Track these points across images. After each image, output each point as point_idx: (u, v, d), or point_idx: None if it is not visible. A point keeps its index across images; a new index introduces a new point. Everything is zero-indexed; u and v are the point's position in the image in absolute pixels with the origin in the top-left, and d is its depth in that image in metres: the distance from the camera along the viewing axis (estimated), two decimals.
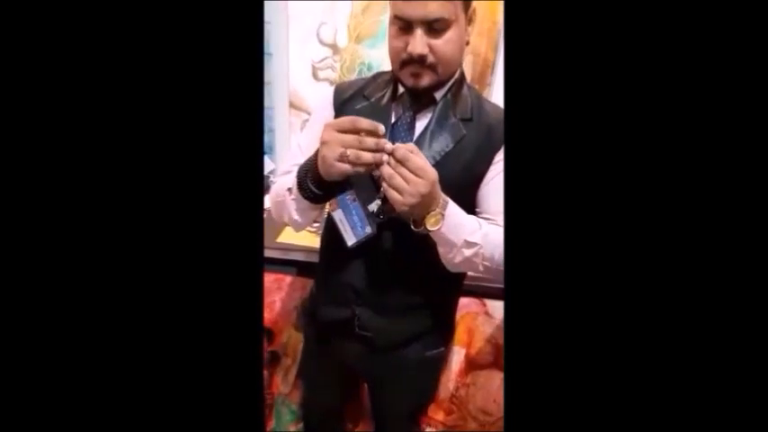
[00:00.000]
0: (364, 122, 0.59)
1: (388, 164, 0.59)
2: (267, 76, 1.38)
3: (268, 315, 1.20)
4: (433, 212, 0.61)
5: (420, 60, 0.64)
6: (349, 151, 0.59)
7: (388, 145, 0.59)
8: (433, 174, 0.59)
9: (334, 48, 1.34)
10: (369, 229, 0.66)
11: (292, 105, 1.43)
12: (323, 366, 0.91)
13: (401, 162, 0.58)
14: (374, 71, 0.84)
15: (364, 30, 1.31)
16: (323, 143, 0.62)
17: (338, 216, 0.66)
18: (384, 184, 0.59)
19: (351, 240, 0.66)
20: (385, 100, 0.73)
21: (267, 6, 1.29)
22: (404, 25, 0.63)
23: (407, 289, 0.75)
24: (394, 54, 0.67)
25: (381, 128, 0.59)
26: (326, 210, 0.83)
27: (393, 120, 0.72)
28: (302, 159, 0.70)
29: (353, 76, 1.34)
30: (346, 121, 0.60)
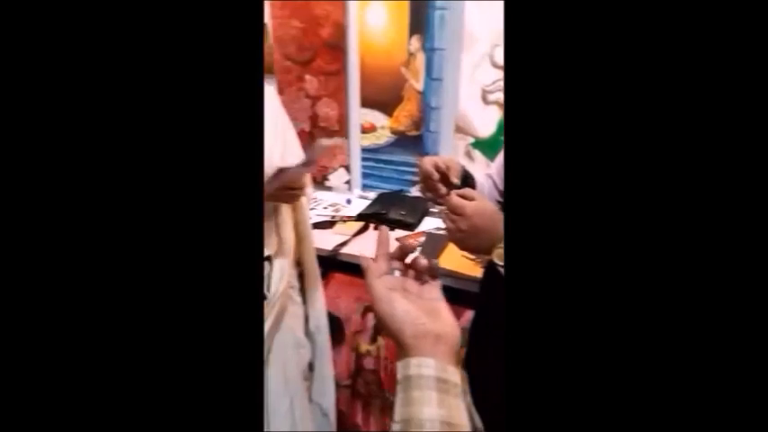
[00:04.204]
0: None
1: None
2: (436, 102, 1.40)
3: None
4: (497, 247, 0.66)
5: None
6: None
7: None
8: (471, 209, 0.66)
9: None
10: None
11: (458, 129, 1.43)
12: None
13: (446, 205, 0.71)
14: None
15: None
16: None
17: None
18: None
19: None
20: None
21: (441, 33, 1.31)
22: None
23: None
24: None
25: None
26: None
27: None
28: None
29: None
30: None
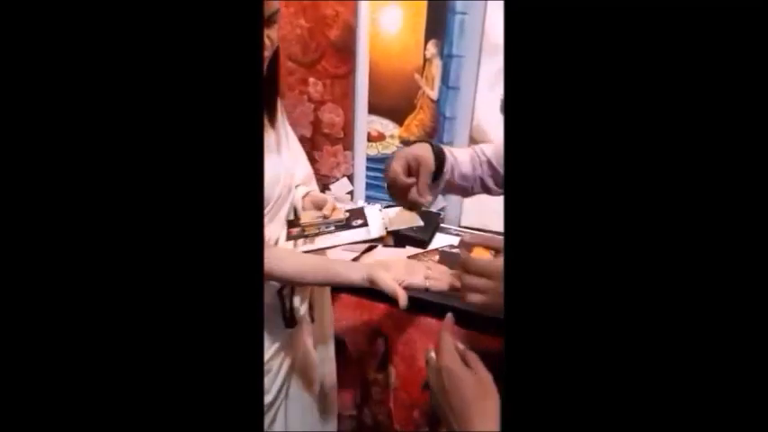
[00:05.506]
0: None
1: None
2: (450, 111, 1.32)
3: None
4: None
5: None
6: None
7: None
8: (497, 266, 0.59)
9: None
10: None
11: (473, 140, 1.35)
12: None
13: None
14: None
15: None
16: None
17: None
18: None
19: None
20: None
21: (460, 41, 1.24)
22: None
23: None
24: None
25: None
26: None
27: None
28: None
29: None
30: None
